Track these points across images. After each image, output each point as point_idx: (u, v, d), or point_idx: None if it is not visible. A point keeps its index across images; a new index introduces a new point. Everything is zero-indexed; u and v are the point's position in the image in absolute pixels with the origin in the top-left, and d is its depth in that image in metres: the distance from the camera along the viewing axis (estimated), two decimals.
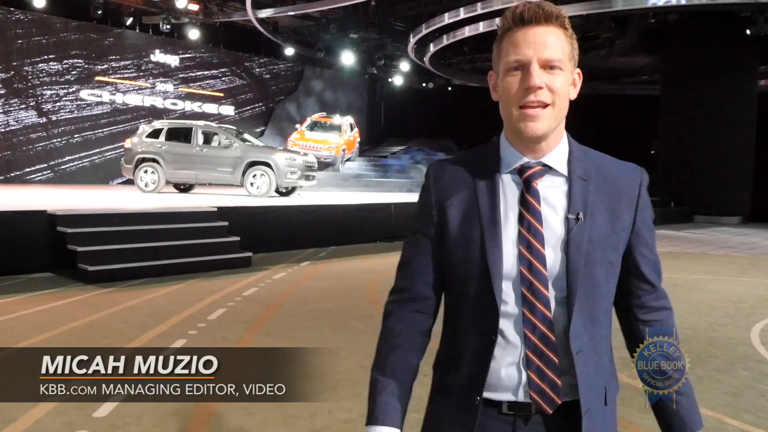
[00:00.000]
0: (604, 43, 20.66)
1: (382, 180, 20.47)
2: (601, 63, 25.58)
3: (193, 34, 21.33)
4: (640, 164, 1.39)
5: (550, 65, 1.20)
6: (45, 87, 18.38)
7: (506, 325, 1.24)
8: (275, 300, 6.66)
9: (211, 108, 22.37)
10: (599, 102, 28.25)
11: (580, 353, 1.24)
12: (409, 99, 28.93)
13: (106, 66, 19.69)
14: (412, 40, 20.61)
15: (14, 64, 17.78)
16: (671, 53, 21.94)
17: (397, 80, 28.41)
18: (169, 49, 21.29)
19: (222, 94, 22.84)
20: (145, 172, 13.50)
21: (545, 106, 1.21)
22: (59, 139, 18.67)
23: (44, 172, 18.36)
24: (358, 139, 22.42)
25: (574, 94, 1.29)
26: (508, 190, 1.28)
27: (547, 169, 1.27)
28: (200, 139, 13.40)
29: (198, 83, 22.11)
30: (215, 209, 9.28)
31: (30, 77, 18.09)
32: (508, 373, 1.25)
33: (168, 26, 20.34)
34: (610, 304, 1.32)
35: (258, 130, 24.02)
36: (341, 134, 20.50)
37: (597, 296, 1.26)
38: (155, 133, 13.68)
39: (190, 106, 21.74)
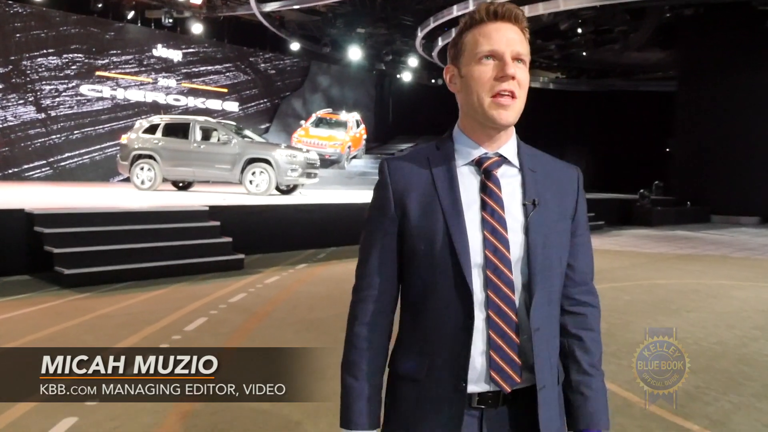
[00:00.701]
0: (618, 37, 19.95)
1: None
2: (614, 58, 24.93)
3: (197, 28, 20.87)
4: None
5: (519, 58, 1.28)
6: (44, 82, 17.95)
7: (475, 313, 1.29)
8: (262, 308, 6.15)
9: (214, 104, 21.90)
10: (612, 98, 27.65)
11: (538, 331, 1.30)
12: (417, 95, 28.36)
13: (106, 60, 19.25)
14: (420, 34, 20.05)
15: (12, 58, 17.36)
16: (687, 48, 21.26)
17: (406, 76, 27.84)
18: (171, 43, 20.83)
19: (226, 90, 22.35)
20: (141, 169, 13.04)
21: (513, 96, 1.27)
22: (58, 136, 18.25)
23: (43, 169, 17.95)
24: (365, 136, 21.89)
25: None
26: (467, 180, 1.33)
27: (503, 160, 1.35)
28: (198, 135, 12.91)
29: (201, 79, 21.64)
30: (206, 208, 8.79)
31: (28, 72, 17.67)
32: (474, 356, 1.29)
33: (170, 20, 19.83)
34: (562, 284, 1.38)
35: (263, 126, 23.55)
36: (347, 131, 19.99)
37: (553, 277, 1.33)
38: (152, 129, 13.21)
39: (193, 101, 21.27)
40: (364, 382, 1.35)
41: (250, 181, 12.45)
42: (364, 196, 13.47)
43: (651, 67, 26.55)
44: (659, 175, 21.35)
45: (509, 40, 1.27)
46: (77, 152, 18.58)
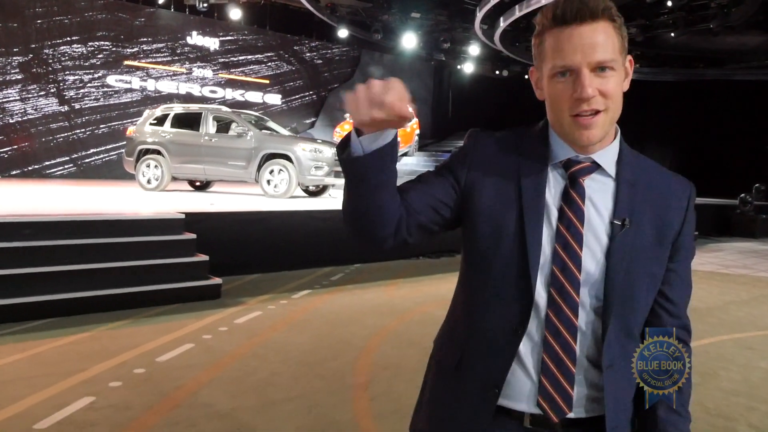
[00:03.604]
0: (715, 13, 16.95)
1: None
2: (705, 43, 21.73)
3: (235, 14, 19.10)
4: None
5: (601, 67, 1.10)
6: (67, 72, 16.54)
7: (530, 325, 1.17)
8: (197, 377, 4.03)
9: (255, 96, 20.12)
10: (702, 89, 24.31)
11: (612, 368, 1.18)
12: (480, 88, 25.88)
13: (136, 49, 17.71)
14: (479, 15, 17.62)
15: (33, 46, 16.02)
16: None
17: (467, 67, 25.36)
18: (207, 30, 19.13)
19: (267, 81, 20.52)
20: (148, 166, 11.29)
21: (598, 112, 1.12)
22: (83, 130, 16.83)
23: (66, 166, 16.57)
24: (417, 131, 19.64)
25: (627, 85, 1.18)
26: (553, 183, 1.21)
27: (596, 167, 1.20)
28: (210, 126, 11.05)
29: (240, 69, 19.87)
30: (182, 216, 6.78)
31: (51, 61, 16.30)
32: (521, 375, 1.19)
33: (206, 5, 18.09)
34: (645, 316, 1.23)
35: (308, 121, 21.70)
36: None
37: (634, 309, 1.19)
38: (160, 120, 11.45)
39: (231, 93, 19.55)
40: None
41: (268, 181, 10.48)
42: None
43: (748, 54, 23.10)
44: (760, 177, 18.20)
45: (585, 49, 1.08)
46: (103, 148, 17.10)
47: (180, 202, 8.51)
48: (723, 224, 15.50)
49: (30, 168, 16.00)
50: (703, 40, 21.02)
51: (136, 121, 16.49)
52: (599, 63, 1.09)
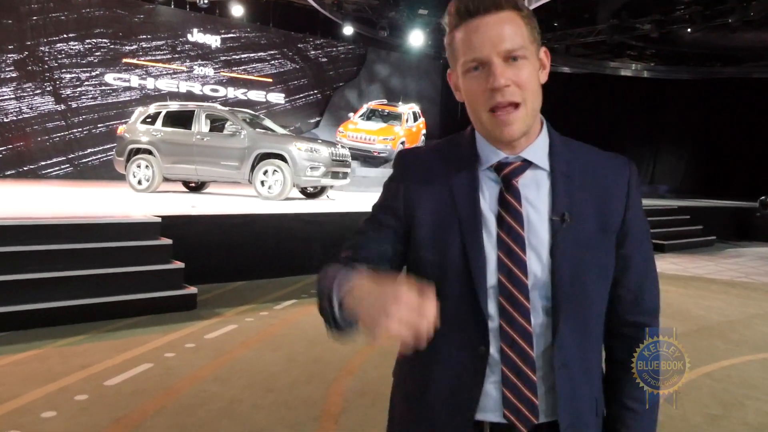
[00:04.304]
0: (733, 7, 16.28)
1: None
2: (722, 40, 21.05)
3: (237, 10, 18.65)
4: None
5: (513, 56, 1.08)
6: (64, 70, 16.14)
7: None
8: (144, 407, 3.52)
9: (257, 95, 19.66)
10: (719, 87, 23.59)
11: (564, 368, 1.13)
12: None
13: (135, 46, 17.30)
14: None
15: (28, 43, 15.63)
16: None
17: None
18: (209, 27, 18.68)
19: (271, 80, 20.04)
20: (138, 166, 10.83)
21: (516, 105, 1.09)
22: (80, 129, 16.44)
23: (63, 166, 16.17)
24: (423, 131, 19.11)
25: (544, 77, 1.15)
26: (486, 188, 1.16)
27: (528, 164, 1.16)
28: (203, 125, 10.58)
29: (243, 67, 19.41)
30: (158, 219, 6.29)
31: (47, 58, 15.92)
32: (485, 390, 1.13)
33: (206, 1, 17.67)
34: (603, 309, 1.19)
35: (312, 120, 21.20)
36: (401, 124, 17.33)
37: (588, 303, 1.14)
38: (152, 118, 11.00)
39: (233, 92, 19.10)
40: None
41: (262, 182, 10.00)
42: None
43: (766, 51, 22.44)
44: None
45: (493, 38, 1.06)
46: (101, 148, 16.65)
47: (161, 205, 8.03)
48: (742, 228, 14.84)
49: (25, 168, 15.62)
50: (720, 36, 20.34)
51: None
52: (508, 52, 1.06)
